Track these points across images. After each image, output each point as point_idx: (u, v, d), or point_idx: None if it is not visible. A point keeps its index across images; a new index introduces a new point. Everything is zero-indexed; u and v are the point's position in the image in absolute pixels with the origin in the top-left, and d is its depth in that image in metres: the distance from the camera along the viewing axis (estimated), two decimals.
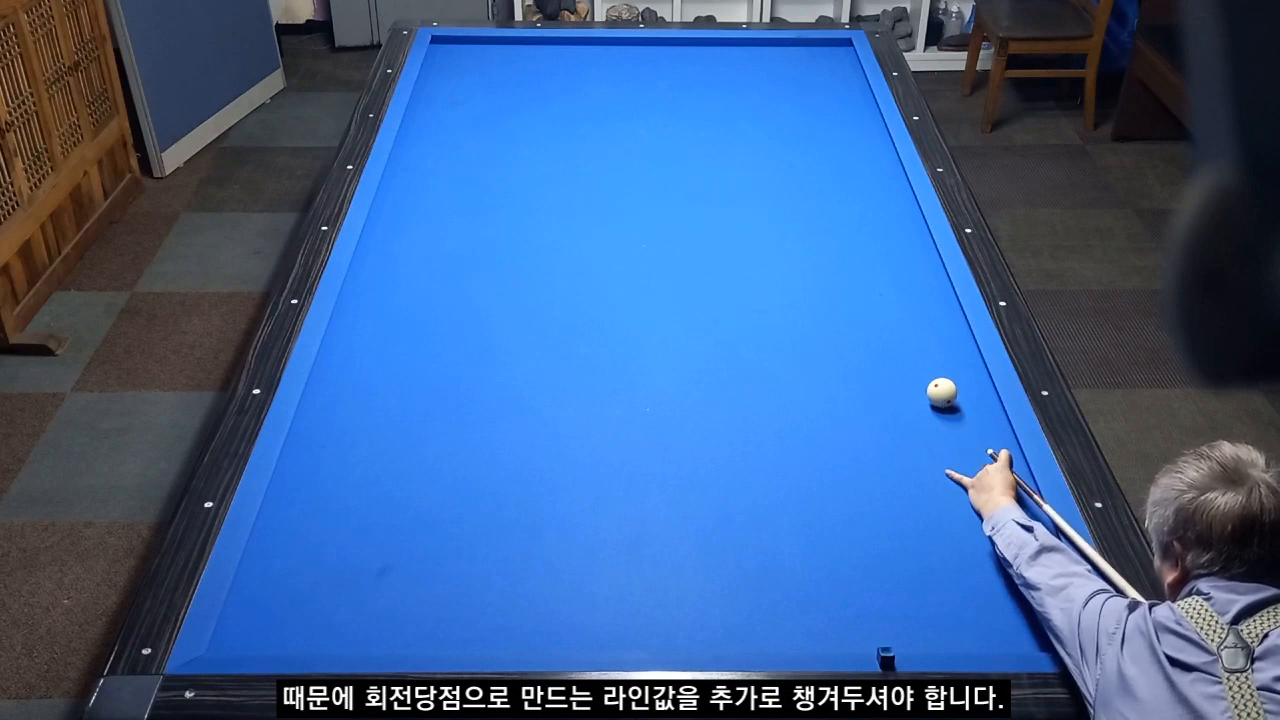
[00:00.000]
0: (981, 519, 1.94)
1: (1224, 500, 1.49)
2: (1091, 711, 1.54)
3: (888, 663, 1.68)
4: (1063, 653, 1.62)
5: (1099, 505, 1.98)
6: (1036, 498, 1.96)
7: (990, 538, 1.88)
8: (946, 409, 2.22)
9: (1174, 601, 1.54)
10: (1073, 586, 1.65)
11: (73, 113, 4.01)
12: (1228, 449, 1.54)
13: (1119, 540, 1.90)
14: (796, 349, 2.43)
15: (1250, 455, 1.54)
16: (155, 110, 4.52)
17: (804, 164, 3.15)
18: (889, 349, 2.41)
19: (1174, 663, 1.46)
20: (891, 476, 2.09)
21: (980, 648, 1.75)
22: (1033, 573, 1.72)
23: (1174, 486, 1.54)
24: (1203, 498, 1.50)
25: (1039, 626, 1.75)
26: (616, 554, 1.93)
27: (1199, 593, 1.52)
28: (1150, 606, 1.55)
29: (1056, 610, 1.64)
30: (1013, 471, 1.99)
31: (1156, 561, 1.63)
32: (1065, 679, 1.66)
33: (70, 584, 2.88)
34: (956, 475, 2.06)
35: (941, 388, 2.20)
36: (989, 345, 2.37)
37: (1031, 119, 5.18)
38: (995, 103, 5.02)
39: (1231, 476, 1.51)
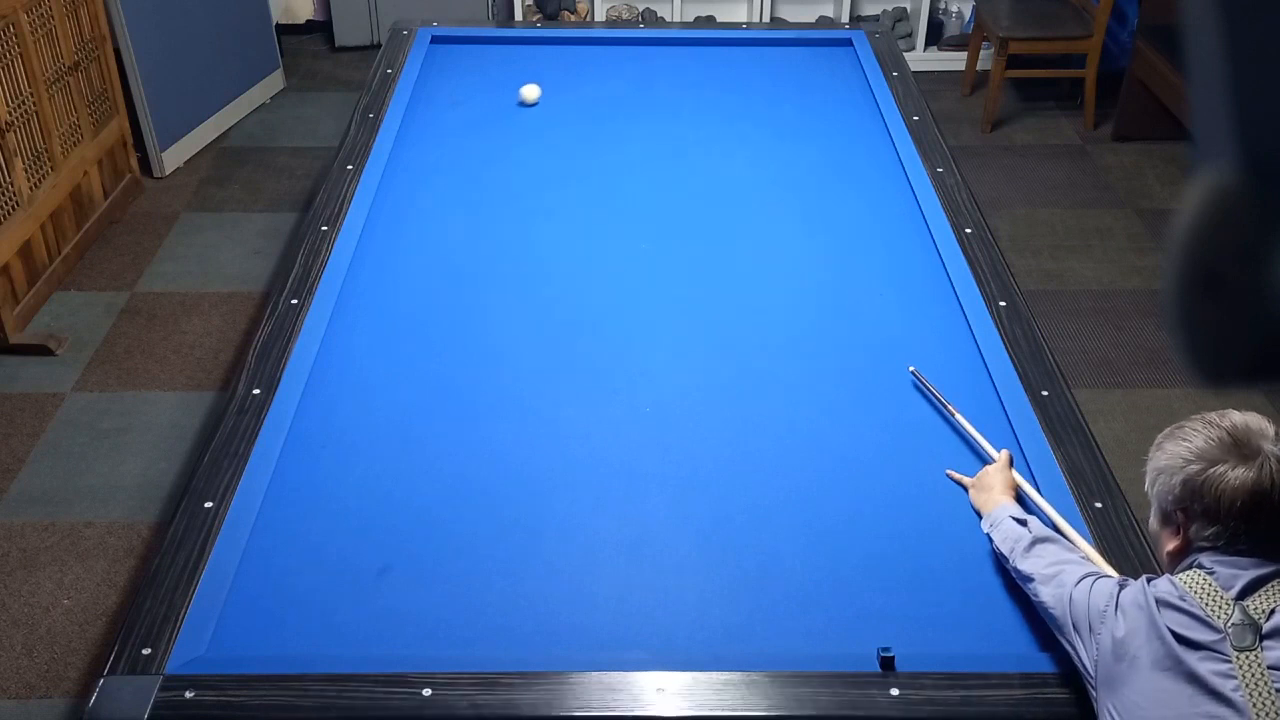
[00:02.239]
0: (981, 518, 1.94)
1: (1234, 475, 1.44)
2: (1094, 694, 1.52)
3: (888, 663, 1.68)
4: (1062, 640, 1.61)
5: (1099, 505, 1.98)
6: (1037, 497, 1.96)
7: (988, 535, 1.88)
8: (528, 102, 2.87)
9: (1173, 572, 1.52)
10: (1064, 573, 1.64)
11: (73, 113, 4.01)
12: (1237, 417, 1.49)
13: (1119, 540, 1.90)
14: (797, 349, 2.43)
15: (1260, 425, 1.48)
16: (155, 110, 4.52)
17: (804, 164, 3.15)
18: (889, 349, 2.41)
19: (1179, 639, 1.43)
20: (891, 476, 2.09)
21: (980, 647, 1.75)
22: (1027, 564, 1.72)
23: (1180, 455, 1.49)
24: (1212, 470, 1.46)
25: (1039, 626, 1.75)
26: (616, 554, 1.93)
27: (1201, 566, 1.48)
28: (1148, 579, 1.52)
29: (1050, 597, 1.63)
30: (1013, 471, 1.99)
31: (1154, 525, 1.58)
32: (1064, 679, 1.66)
33: (70, 584, 2.88)
34: (957, 475, 2.06)
35: (528, 94, 2.81)
36: (989, 345, 2.37)
37: (1031, 119, 5.18)
38: (995, 103, 5.02)
39: (1242, 449, 1.46)
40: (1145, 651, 1.45)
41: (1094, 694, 1.53)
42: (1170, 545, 1.54)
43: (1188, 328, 0.61)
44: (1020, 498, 1.95)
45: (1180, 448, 1.50)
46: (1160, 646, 1.44)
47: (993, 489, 1.94)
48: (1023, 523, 1.81)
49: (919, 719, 1.63)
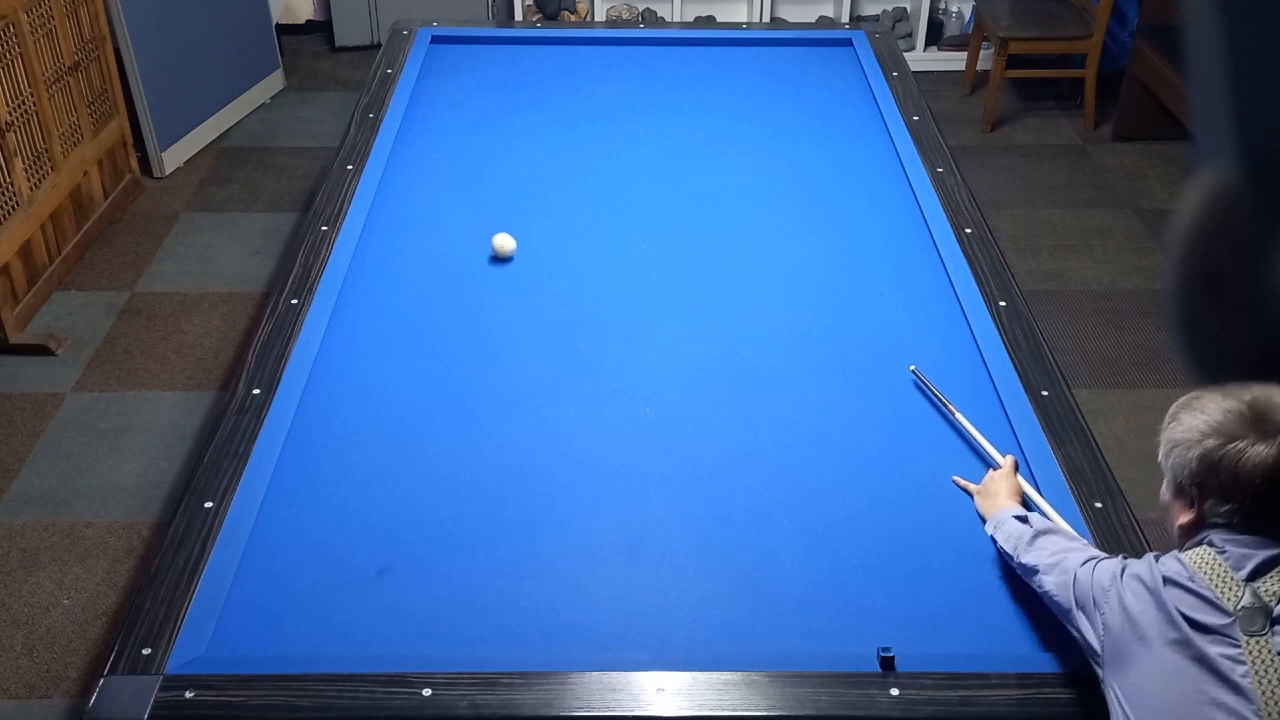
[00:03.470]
0: (985, 523, 1.94)
1: (1254, 451, 1.39)
2: (1101, 674, 1.50)
3: (888, 663, 1.68)
4: (1070, 627, 1.59)
5: (1099, 505, 1.98)
6: (1042, 502, 1.96)
7: (992, 537, 1.88)
8: (503, 255, 2.70)
9: (1182, 548, 1.49)
10: (1067, 559, 1.63)
11: (73, 113, 4.01)
12: (1258, 391, 1.43)
13: (1119, 540, 1.90)
14: (797, 349, 2.43)
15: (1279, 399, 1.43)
16: (155, 110, 4.52)
17: (804, 164, 3.15)
18: (889, 349, 2.41)
19: (1188, 621, 1.40)
20: (891, 476, 2.09)
21: (980, 647, 1.75)
22: (1030, 557, 1.71)
23: (1198, 428, 1.44)
24: (1231, 446, 1.41)
25: (1039, 626, 1.75)
26: (616, 554, 1.93)
27: (1212, 544, 1.45)
28: (1155, 557, 1.49)
29: (1054, 585, 1.62)
30: (1018, 476, 1.99)
31: (1166, 496, 1.53)
32: (1063, 679, 1.66)
33: (70, 584, 2.88)
34: (963, 482, 2.05)
35: (503, 245, 2.66)
36: (989, 345, 2.37)
37: (1031, 119, 5.18)
38: (995, 103, 5.02)
39: (1263, 425, 1.40)
40: (1153, 631, 1.42)
41: (1101, 674, 1.50)
42: (1183, 519, 1.50)
43: (1188, 327, 0.61)
44: (1026, 503, 1.94)
45: (1198, 420, 1.45)
46: (1169, 628, 1.41)
47: (998, 495, 1.94)
48: (1024, 520, 1.81)
49: (919, 719, 1.63)
